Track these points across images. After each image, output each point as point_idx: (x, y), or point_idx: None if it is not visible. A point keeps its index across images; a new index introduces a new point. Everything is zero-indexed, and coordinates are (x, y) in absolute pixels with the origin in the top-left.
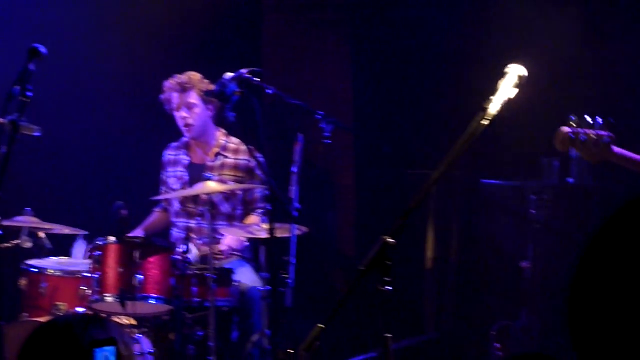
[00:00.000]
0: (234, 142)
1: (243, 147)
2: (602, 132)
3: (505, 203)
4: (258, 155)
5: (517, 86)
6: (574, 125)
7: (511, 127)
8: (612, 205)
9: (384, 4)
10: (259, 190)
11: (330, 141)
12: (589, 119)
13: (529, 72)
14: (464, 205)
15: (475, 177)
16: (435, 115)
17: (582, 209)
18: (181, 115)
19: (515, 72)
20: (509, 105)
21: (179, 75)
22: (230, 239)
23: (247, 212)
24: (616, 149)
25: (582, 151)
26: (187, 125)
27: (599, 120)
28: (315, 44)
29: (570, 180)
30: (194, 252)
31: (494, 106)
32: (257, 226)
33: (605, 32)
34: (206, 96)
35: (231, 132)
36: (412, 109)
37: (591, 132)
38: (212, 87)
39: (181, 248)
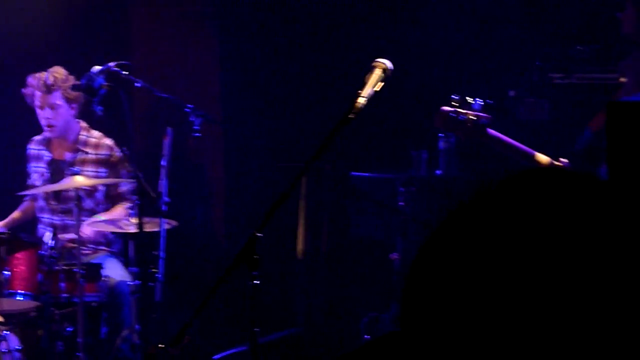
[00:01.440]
0: (95, 136)
1: (104, 141)
2: (481, 114)
3: (375, 195)
4: (125, 148)
5: (383, 80)
6: (455, 105)
7: (381, 119)
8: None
9: None
10: (123, 184)
11: (199, 134)
12: (469, 99)
13: (398, 65)
14: (335, 198)
15: (345, 169)
16: (305, 108)
17: (448, 201)
18: (44, 115)
19: (382, 65)
20: (377, 97)
21: (43, 73)
22: (89, 229)
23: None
24: (491, 131)
25: (460, 130)
26: (49, 126)
27: (479, 101)
28: (183, 37)
29: (438, 172)
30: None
31: (362, 100)
32: (126, 220)
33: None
34: (73, 90)
35: (97, 126)
36: (281, 102)
37: (470, 113)
38: (78, 82)
39: (48, 243)
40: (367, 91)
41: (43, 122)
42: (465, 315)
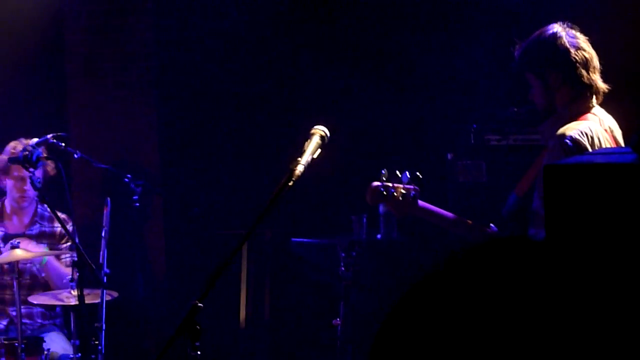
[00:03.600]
0: (47, 209)
1: (59, 215)
2: (410, 186)
3: (316, 261)
4: (66, 220)
5: (321, 146)
6: (384, 179)
7: (320, 184)
8: (423, 261)
9: (188, 67)
10: (67, 256)
11: (138, 204)
12: (398, 173)
13: (337, 132)
14: (276, 265)
15: (285, 236)
16: (244, 176)
17: (389, 264)
18: (20, 186)
19: (320, 132)
20: (316, 164)
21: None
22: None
23: None
24: (421, 203)
25: (391, 205)
26: (23, 197)
27: (407, 174)
28: (121, 106)
29: (379, 236)
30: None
31: (300, 167)
32: (67, 293)
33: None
34: (10, 163)
35: (40, 199)
36: (220, 169)
37: (399, 186)
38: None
39: None
40: (305, 158)
41: (16, 193)
42: None
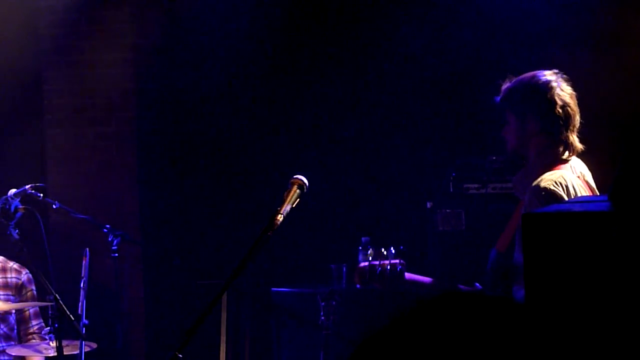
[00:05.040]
0: (1, 260)
1: (10, 264)
2: (395, 261)
3: (296, 310)
4: (18, 269)
5: (300, 196)
6: (370, 259)
7: (300, 234)
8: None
9: (168, 117)
10: (31, 308)
11: (117, 254)
12: (383, 250)
13: (314, 184)
14: (255, 315)
15: (265, 285)
16: (223, 225)
17: (369, 314)
18: None
19: (299, 182)
20: (295, 213)
21: None
22: None
23: (23, 331)
24: (408, 276)
25: (379, 283)
26: None
27: (392, 250)
28: (100, 157)
29: (359, 285)
30: None
31: (280, 217)
32: (46, 344)
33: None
34: None
35: (13, 250)
36: (198, 219)
37: (386, 263)
38: None
39: None
40: (285, 208)
41: None
42: None
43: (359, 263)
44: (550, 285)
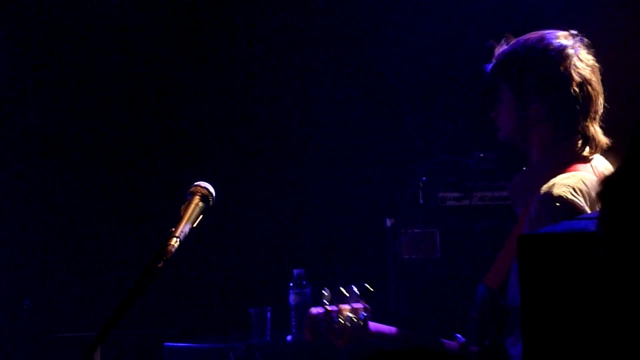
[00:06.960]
0: None
1: None
2: (358, 305)
3: None
4: None
5: (205, 210)
6: (326, 304)
7: (207, 268)
8: None
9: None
10: None
11: None
12: (342, 290)
13: (224, 194)
14: None
15: (156, 339)
16: (94, 254)
17: None
18: None
19: (202, 191)
20: (200, 236)
21: None
22: None
23: None
24: (373, 326)
25: (335, 337)
26: None
27: (354, 289)
28: None
29: (289, 337)
30: None
31: (175, 241)
32: None
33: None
34: None
35: None
36: (61, 247)
37: (345, 308)
38: None
39: None
40: (181, 228)
41: None
42: None
43: (308, 308)
44: (560, 339)
